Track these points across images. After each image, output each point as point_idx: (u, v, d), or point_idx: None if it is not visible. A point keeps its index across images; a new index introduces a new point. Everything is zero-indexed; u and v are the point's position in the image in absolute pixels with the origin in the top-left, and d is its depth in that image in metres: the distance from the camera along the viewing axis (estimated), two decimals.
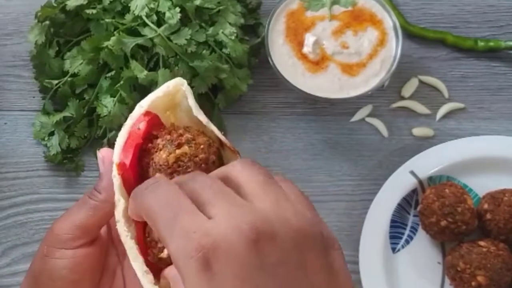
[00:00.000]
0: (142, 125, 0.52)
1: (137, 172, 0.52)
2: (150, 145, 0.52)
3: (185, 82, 0.54)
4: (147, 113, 0.53)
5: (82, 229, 0.53)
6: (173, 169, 0.50)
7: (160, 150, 0.51)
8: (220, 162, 0.53)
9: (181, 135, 0.51)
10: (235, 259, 0.38)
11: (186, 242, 0.39)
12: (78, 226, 0.53)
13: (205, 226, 0.39)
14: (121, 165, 0.51)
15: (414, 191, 0.86)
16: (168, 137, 0.51)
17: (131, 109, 0.86)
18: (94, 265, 0.54)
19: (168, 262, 0.49)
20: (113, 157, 0.52)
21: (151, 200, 0.43)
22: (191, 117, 0.53)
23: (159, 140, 0.51)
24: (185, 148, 0.51)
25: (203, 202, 0.41)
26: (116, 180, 0.51)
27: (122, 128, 0.53)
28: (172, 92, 0.54)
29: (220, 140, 0.53)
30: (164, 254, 0.49)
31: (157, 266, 0.51)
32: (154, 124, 0.53)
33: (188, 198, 0.42)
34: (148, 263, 0.50)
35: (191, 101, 0.53)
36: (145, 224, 0.51)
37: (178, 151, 0.50)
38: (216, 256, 0.38)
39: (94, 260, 0.54)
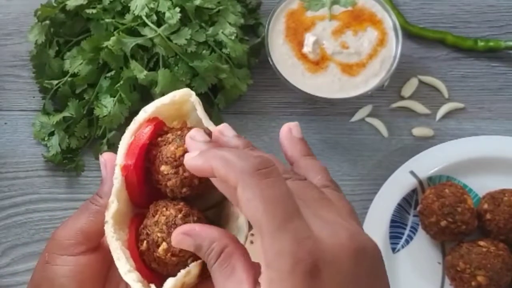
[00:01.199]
0: (148, 129, 0.52)
1: (142, 174, 0.52)
2: (159, 139, 0.52)
3: (193, 93, 0.54)
4: (152, 119, 0.53)
5: (84, 234, 0.53)
6: (180, 162, 0.50)
7: (169, 143, 0.51)
8: None
9: None
10: (339, 270, 0.41)
11: (297, 245, 0.40)
12: (80, 232, 0.53)
13: (314, 235, 0.41)
14: (125, 167, 0.51)
15: (414, 191, 0.86)
16: (179, 132, 0.52)
17: (130, 109, 0.87)
18: (96, 274, 0.53)
19: (165, 262, 0.49)
20: (115, 160, 0.51)
21: (266, 189, 0.42)
22: (202, 128, 0.53)
23: (169, 135, 0.52)
24: None
25: (306, 206, 0.44)
26: (117, 182, 0.51)
27: (126, 132, 0.53)
28: (178, 102, 0.54)
29: None
30: (160, 252, 0.49)
31: (149, 270, 0.51)
32: (160, 129, 0.53)
33: (297, 201, 0.43)
34: (139, 267, 0.50)
35: (200, 112, 0.53)
36: (137, 229, 0.51)
37: (186, 146, 0.50)
38: (323, 265, 0.41)
39: (96, 269, 0.53)
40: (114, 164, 0.52)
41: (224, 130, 0.50)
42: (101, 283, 0.54)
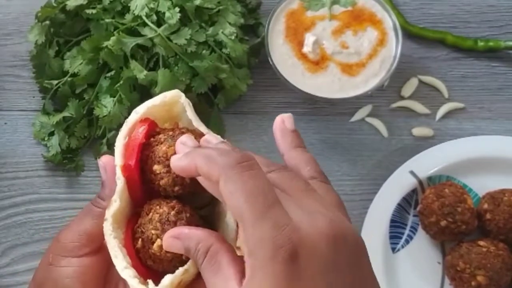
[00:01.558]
0: (143, 129, 0.53)
1: (141, 171, 0.53)
2: (152, 139, 0.53)
3: (182, 95, 0.55)
4: (144, 120, 0.54)
5: (88, 237, 0.54)
6: None
7: (161, 143, 0.52)
8: None
9: (183, 132, 0.52)
10: (318, 256, 0.43)
11: (277, 232, 0.42)
12: (84, 234, 0.54)
13: (293, 222, 0.43)
14: (126, 167, 0.52)
15: (414, 191, 0.86)
16: (171, 132, 0.53)
17: (130, 109, 0.86)
18: (98, 275, 0.54)
19: (160, 258, 0.50)
20: (114, 162, 0.52)
21: (247, 182, 0.44)
22: (193, 129, 0.54)
23: (161, 135, 0.53)
24: None
25: (288, 196, 0.46)
26: (120, 182, 0.52)
27: (119, 133, 0.54)
28: (169, 103, 0.55)
29: None
30: (155, 248, 0.50)
31: (145, 268, 0.51)
32: (153, 129, 0.54)
33: (279, 192, 0.45)
34: (135, 265, 0.51)
35: (190, 113, 0.54)
36: (133, 228, 0.52)
37: None
38: (302, 251, 0.42)
39: (98, 270, 0.54)
40: (114, 166, 0.52)
41: (209, 139, 0.51)
42: (102, 283, 0.55)
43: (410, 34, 0.93)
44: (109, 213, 0.51)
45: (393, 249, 0.84)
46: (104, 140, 0.87)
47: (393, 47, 0.87)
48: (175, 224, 0.50)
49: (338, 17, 0.88)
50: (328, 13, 0.88)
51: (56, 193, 0.89)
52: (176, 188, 0.52)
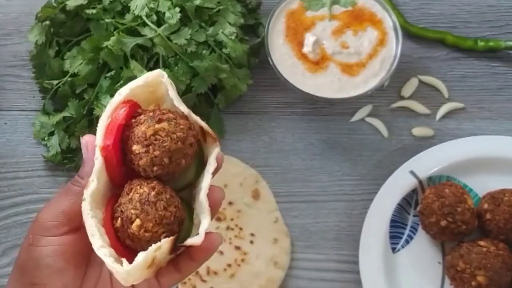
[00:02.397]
0: (124, 110, 0.54)
1: (120, 153, 0.54)
2: (133, 120, 0.54)
3: (165, 74, 0.56)
4: (127, 101, 0.55)
5: (66, 215, 0.54)
6: (150, 142, 0.52)
7: (141, 124, 0.53)
8: (199, 147, 0.56)
9: (163, 113, 0.54)
10: None
11: None
12: (62, 213, 0.54)
13: None
14: (104, 148, 0.53)
15: (414, 191, 0.85)
16: (151, 114, 0.54)
17: None
18: (79, 253, 0.55)
19: (138, 238, 0.51)
20: (95, 141, 0.53)
21: None
22: (174, 110, 0.55)
23: (142, 116, 0.54)
24: (165, 124, 0.53)
25: None
26: (98, 162, 0.53)
27: (103, 114, 0.55)
28: (152, 84, 0.56)
29: (202, 129, 0.55)
30: (133, 228, 0.51)
31: (123, 247, 0.52)
32: (135, 111, 0.55)
33: None
34: (113, 244, 0.52)
35: (172, 93, 0.55)
36: (112, 208, 0.53)
37: (157, 126, 0.52)
38: None
39: (79, 248, 0.55)
40: (95, 145, 0.53)
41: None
42: (84, 261, 0.56)
43: (410, 34, 0.93)
44: (87, 193, 0.52)
45: (393, 249, 0.84)
46: None
47: (393, 47, 0.87)
48: (154, 204, 0.51)
49: (338, 17, 0.88)
50: (328, 13, 0.88)
51: (56, 193, 0.89)
52: (155, 168, 0.52)
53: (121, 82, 0.83)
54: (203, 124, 0.55)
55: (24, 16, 0.95)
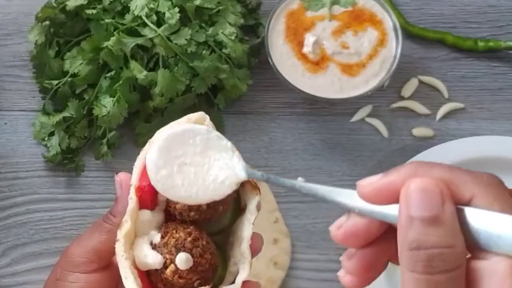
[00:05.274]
0: None
1: (155, 195, 0.52)
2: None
3: (207, 117, 0.54)
4: None
5: (96, 253, 0.53)
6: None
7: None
8: (237, 193, 0.54)
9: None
10: None
11: None
12: (92, 250, 0.54)
13: None
14: (140, 188, 0.51)
15: None
16: None
17: (130, 110, 0.87)
18: None
19: (171, 284, 0.50)
20: (130, 180, 0.52)
21: None
22: None
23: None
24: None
25: None
26: (132, 202, 0.51)
27: (141, 153, 0.53)
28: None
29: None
30: (167, 273, 0.50)
31: None
32: None
33: None
34: (146, 287, 0.50)
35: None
36: None
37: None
38: None
39: (106, 287, 0.54)
40: (129, 184, 0.52)
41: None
42: None
43: (410, 34, 0.93)
44: (121, 234, 0.50)
45: None
46: (104, 140, 0.87)
47: (393, 47, 0.87)
48: (190, 251, 0.50)
49: (338, 17, 0.88)
50: (328, 13, 0.88)
51: (56, 193, 0.89)
52: (192, 214, 0.51)
53: (121, 82, 0.83)
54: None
55: (24, 16, 0.95)
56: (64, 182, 0.89)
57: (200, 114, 0.54)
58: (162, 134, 0.52)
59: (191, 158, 0.52)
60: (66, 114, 0.86)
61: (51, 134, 0.88)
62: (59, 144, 0.87)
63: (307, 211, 0.88)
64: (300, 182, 0.50)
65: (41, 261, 0.86)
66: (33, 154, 0.90)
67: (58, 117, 0.86)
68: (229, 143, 0.53)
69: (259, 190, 0.54)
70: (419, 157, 0.86)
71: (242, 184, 0.53)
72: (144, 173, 0.52)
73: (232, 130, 0.91)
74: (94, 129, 0.88)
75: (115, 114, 0.84)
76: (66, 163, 0.88)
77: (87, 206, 0.88)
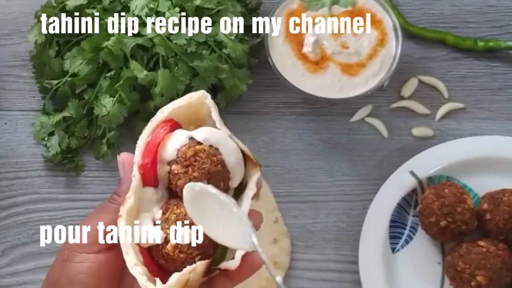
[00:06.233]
0: (164, 129, 0.53)
1: (157, 172, 0.53)
2: None
3: (208, 96, 0.55)
4: (169, 120, 0.54)
5: (103, 233, 0.54)
6: (190, 162, 0.52)
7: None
8: None
9: None
10: None
11: None
12: (99, 230, 0.54)
13: None
14: (143, 165, 0.52)
15: (413, 191, 0.85)
16: None
17: (130, 109, 0.87)
18: (112, 272, 0.55)
19: (172, 258, 0.51)
20: (133, 159, 0.53)
21: None
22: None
23: None
24: (205, 145, 0.52)
25: None
26: (135, 179, 0.52)
27: (143, 131, 0.54)
28: (194, 104, 0.55)
29: (242, 152, 0.55)
30: (168, 248, 0.50)
31: (156, 266, 0.51)
32: (176, 130, 0.54)
33: None
34: (147, 262, 0.51)
35: (215, 115, 0.55)
36: None
37: (197, 147, 0.52)
38: None
39: (113, 267, 0.54)
40: (132, 163, 0.53)
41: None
42: (116, 280, 0.56)
43: (410, 34, 0.93)
44: (123, 210, 0.51)
45: (393, 249, 0.84)
46: (104, 140, 0.87)
47: (393, 47, 0.87)
48: (190, 226, 0.51)
49: (338, 17, 0.88)
50: (328, 13, 0.88)
51: (56, 193, 0.89)
52: None
53: (121, 82, 0.84)
54: (244, 148, 0.55)
55: (24, 16, 0.95)
56: (64, 182, 0.89)
57: (201, 93, 0.55)
58: (166, 109, 0.54)
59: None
60: (66, 114, 0.86)
61: (51, 134, 0.88)
62: (59, 144, 0.87)
63: (307, 211, 0.88)
64: None
65: (41, 261, 0.86)
66: (33, 154, 0.90)
67: (58, 117, 0.86)
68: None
69: (260, 167, 0.55)
70: (419, 157, 0.86)
71: (244, 162, 0.54)
72: (147, 150, 0.53)
73: (232, 130, 0.89)
74: (94, 129, 0.88)
75: (115, 114, 0.84)
76: (66, 163, 0.88)
77: (87, 206, 0.88)
